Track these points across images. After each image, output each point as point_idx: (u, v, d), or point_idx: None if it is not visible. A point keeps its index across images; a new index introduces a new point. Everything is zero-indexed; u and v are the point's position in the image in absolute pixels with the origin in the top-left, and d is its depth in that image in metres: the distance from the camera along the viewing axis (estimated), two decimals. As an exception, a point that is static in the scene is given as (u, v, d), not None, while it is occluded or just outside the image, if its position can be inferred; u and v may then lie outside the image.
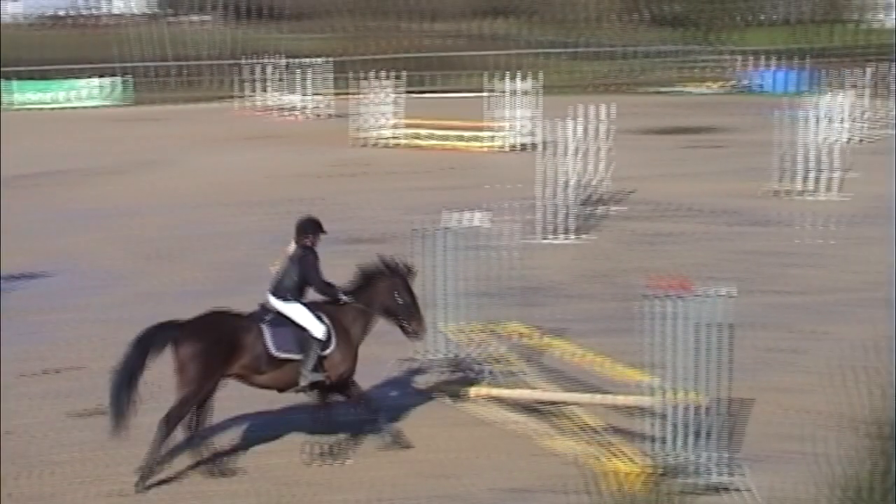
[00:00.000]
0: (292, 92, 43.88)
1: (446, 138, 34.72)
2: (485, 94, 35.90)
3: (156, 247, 21.35)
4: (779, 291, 17.77)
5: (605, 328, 15.20)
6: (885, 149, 33.34)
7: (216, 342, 10.81)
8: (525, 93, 34.29)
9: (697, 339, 10.36)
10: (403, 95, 37.70)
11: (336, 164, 31.77)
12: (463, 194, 24.84)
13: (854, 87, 35.16)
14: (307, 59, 43.69)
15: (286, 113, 43.61)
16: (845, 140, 30.10)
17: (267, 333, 10.97)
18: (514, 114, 34.23)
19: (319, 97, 43.22)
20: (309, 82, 43.42)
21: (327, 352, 11.12)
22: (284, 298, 11.21)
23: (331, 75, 44.38)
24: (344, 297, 11.35)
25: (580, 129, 24.23)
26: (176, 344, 10.75)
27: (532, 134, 32.89)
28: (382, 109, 36.04)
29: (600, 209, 24.44)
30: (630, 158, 29.74)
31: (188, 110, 47.92)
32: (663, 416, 10.52)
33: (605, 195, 25.23)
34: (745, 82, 52.37)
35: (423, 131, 35.13)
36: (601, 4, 58.05)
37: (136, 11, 63.29)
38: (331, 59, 45.72)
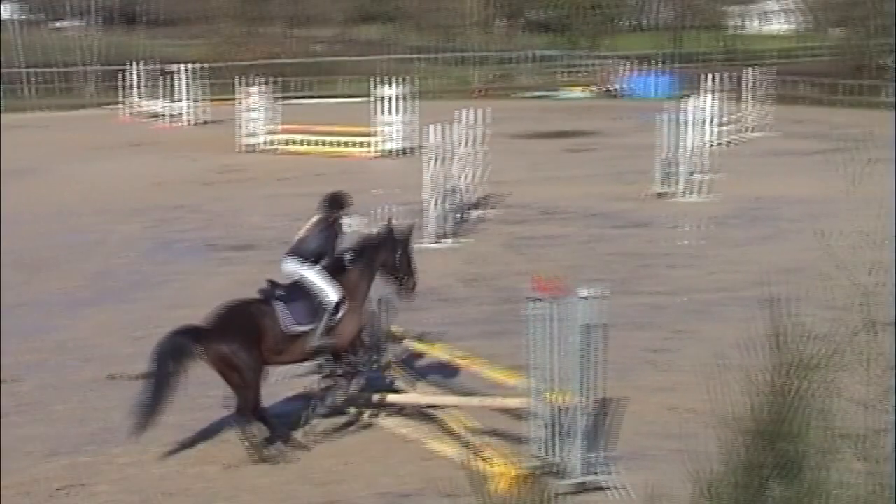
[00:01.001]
0: (171, 98, 43.46)
1: (326, 144, 34.76)
2: (364, 99, 36.01)
3: (35, 256, 21.04)
4: (653, 292, 18.17)
5: (484, 331, 15.46)
6: (748, 151, 34.31)
7: (247, 334, 11.13)
8: (403, 98, 34.49)
9: (574, 340, 10.61)
10: (283, 101, 37.65)
11: (217, 171, 31.61)
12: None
13: (720, 91, 36.06)
14: (187, 65, 43.30)
15: (166, 119, 43.19)
16: (713, 143, 30.92)
17: (280, 311, 11.34)
18: (392, 119, 34.41)
19: (198, 103, 42.90)
20: (188, 88, 43.05)
21: (338, 316, 11.52)
22: (301, 262, 11.63)
23: (210, 81, 44.07)
24: (348, 262, 11.77)
25: (458, 133, 24.52)
26: (206, 348, 11.06)
27: (410, 139, 33.13)
28: (262, 115, 35.93)
29: (479, 213, 24.74)
30: (508, 162, 30.14)
31: (67, 117, 47.06)
32: (541, 418, 10.75)
33: (484, 199, 25.54)
34: (618, 87, 53.24)
35: (303, 137, 35.12)
36: (477, 10, 58.49)
37: (8, 17, 61.96)
38: (210, 64, 45.41)
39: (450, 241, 22.15)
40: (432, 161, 22.63)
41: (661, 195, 26.85)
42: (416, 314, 16.03)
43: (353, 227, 13.40)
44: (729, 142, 35.14)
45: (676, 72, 51.50)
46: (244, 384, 11.16)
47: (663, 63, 53.39)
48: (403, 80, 35.78)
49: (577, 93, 53.08)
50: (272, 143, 35.44)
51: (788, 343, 8.00)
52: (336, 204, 12.07)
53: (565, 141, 38.14)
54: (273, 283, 11.65)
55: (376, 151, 34.11)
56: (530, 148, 36.27)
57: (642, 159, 28.44)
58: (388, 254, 11.97)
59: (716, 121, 33.74)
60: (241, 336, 11.13)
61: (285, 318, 11.34)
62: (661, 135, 27.33)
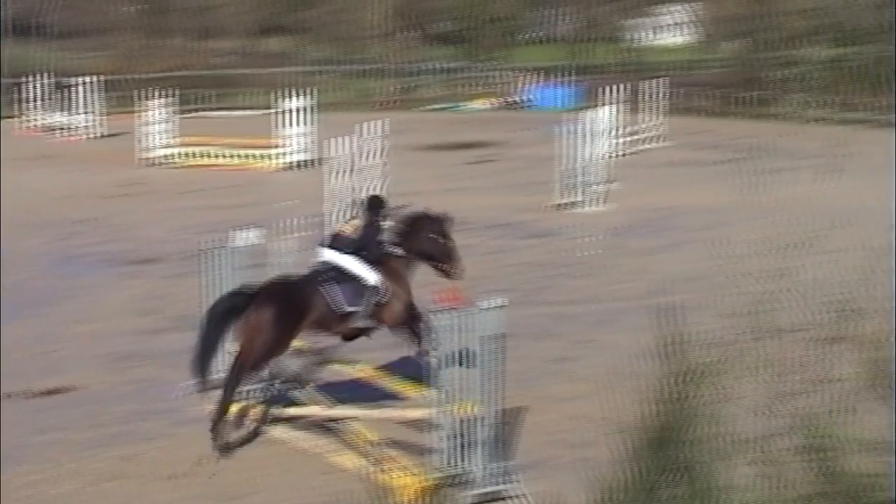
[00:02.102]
0: (70, 112, 42.86)
1: (228, 156, 34.56)
2: (266, 111, 35.87)
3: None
4: (556, 302, 18.38)
5: (386, 343, 15.51)
6: (646, 162, 34.82)
7: (290, 308, 11.76)
8: (305, 110, 34.45)
9: (476, 351, 10.73)
10: (184, 114, 37.37)
11: (117, 185, 31.27)
12: (245, 212, 24.85)
13: (618, 102, 36.54)
14: (85, 78, 42.76)
15: (65, 133, 42.59)
16: (612, 154, 31.33)
17: (330, 291, 12.01)
18: (294, 131, 34.34)
19: (97, 117, 42.36)
20: (87, 102, 42.51)
21: (380, 300, 12.24)
22: (340, 251, 12.35)
23: (110, 94, 43.55)
24: (396, 251, 12.58)
25: (359, 145, 24.57)
26: (251, 309, 11.59)
27: (312, 151, 33.10)
28: (162, 128, 35.62)
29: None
30: (411, 174, 30.23)
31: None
32: (444, 429, 10.85)
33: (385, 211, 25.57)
34: (519, 98, 53.64)
35: (204, 150, 34.87)
36: (379, 22, 58.57)
37: None
38: (109, 77, 44.87)
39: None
40: (334, 173, 22.67)
41: (562, 206, 27.15)
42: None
43: (251, 240, 13.42)
44: (627, 153, 35.61)
45: (576, 83, 52.04)
46: (264, 352, 11.74)
47: (563, 75, 53.91)
48: (305, 92, 35.72)
49: (479, 105, 53.36)
50: (173, 156, 35.16)
51: (682, 351, 8.21)
52: (376, 206, 12.91)
53: (467, 153, 38.32)
54: (316, 270, 12.36)
55: (278, 164, 34.02)
56: (433, 160, 36.40)
57: (543, 170, 28.72)
58: (427, 240, 12.70)
59: (614, 132, 34.18)
60: (284, 310, 11.73)
61: (334, 297, 12.03)
62: (562, 146, 27.64)
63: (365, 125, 25.45)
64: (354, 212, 12.95)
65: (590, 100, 41.88)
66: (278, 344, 11.87)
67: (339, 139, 23.20)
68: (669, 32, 67.34)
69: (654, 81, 41.55)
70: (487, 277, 19.61)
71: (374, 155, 25.48)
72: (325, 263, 12.42)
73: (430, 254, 12.72)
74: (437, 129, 44.09)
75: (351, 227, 12.82)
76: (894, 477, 6.97)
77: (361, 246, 12.44)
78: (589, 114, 29.71)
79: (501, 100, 53.95)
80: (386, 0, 57.91)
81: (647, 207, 26.96)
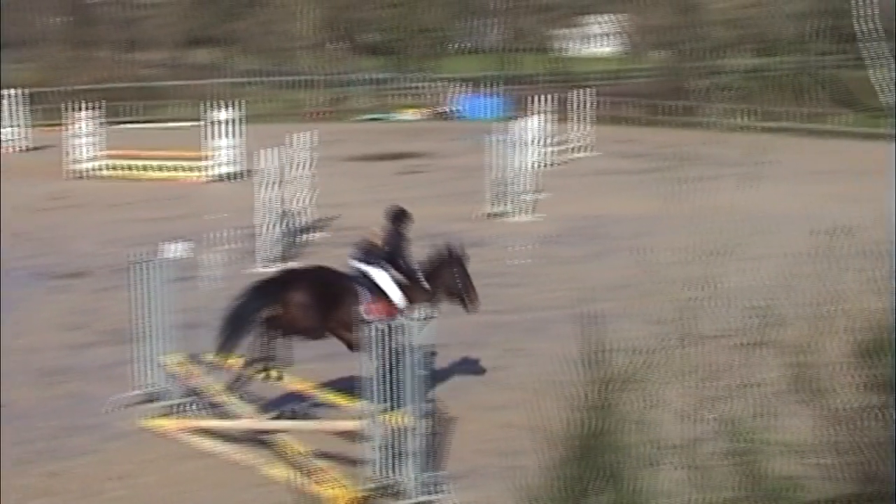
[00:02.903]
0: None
1: (157, 168, 34.32)
2: (195, 123, 35.70)
3: None
4: (487, 311, 18.36)
5: (318, 354, 15.51)
6: (575, 171, 35.09)
7: (323, 296, 12.38)
8: (234, 122, 34.32)
9: (407, 361, 10.78)
10: (112, 126, 37.07)
11: (46, 198, 30.93)
12: (174, 225, 24.74)
13: (547, 112, 36.79)
14: (11, 90, 42.23)
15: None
16: (541, 163, 31.58)
17: (361, 294, 12.68)
18: (223, 143, 34.20)
19: (24, 129, 41.86)
20: (14, 114, 41.98)
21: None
22: (371, 264, 13.00)
23: (37, 107, 43.08)
24: (424, 283, 13.15)
25: (289, 157, 24.55)
26: (288, 289, 12.25)
27: (242, 163, 33.00)
28: (90, 141, 35.30)
29: (309, 236, 24.78)
30: (341, 185, 30.25)
31: None
32: (376, 439, 10.89)
33: (314, 222, 25.59)
34: (449, 109, 53.81)
35: (133, 162, 34.60)
36: (308, 33, 58.48)
37: None
38: (36, 89, 44.39)
39: (283, 264, 22.14)
40: (264, 185, 22.64)
41: (492, 215, 27.29)
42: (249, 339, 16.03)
43: (180, 253, 13.39)
44: (556, 162, 35.86)
45: (505, 94, 52.31)
46: (301, 329, 12.37)
47: (492, 85, 54.18)
48: (234, 103, 35.60)
49: (409, 115, 53.47)
50: (101, 168, 34.86)
51: (609, 359, 8.32)
52: (400, 217, 13.62)
53: (398, 163, 38.38)
54: (359, 269, 13.02)
55: (208, 176, 33.86)
56: (363, 170, 36.42)
57: (473, 180, 28.88)
58: (449, 276, 13.36)
59: (543, 141, 34.43)
60: (319, 298, 12.34)
61: (363, 302, 12.63)
62: (491, 156, 27.80)
63: (294, 136, 25.43)
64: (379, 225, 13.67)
65: (519, 110, 42.13)
66: (314, 326, 12.44)
67: (269, 150, 23.15)
68: (597, 42, 67.94)
69: (581, 91, 41.87)
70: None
71: (304, 166, 25.48)
72: (359, 272, 13.08)
73: (452, 290, 13.41)
74: (367, 140, 44.11)
75: (378, 239, 13.42)
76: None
77: (390, 258, 13.15)
78: (518, 124, 29.89)
79: (431, 110, 54.09)
80: (315, 11, 57.84)
81: (575, 216, 27.17)
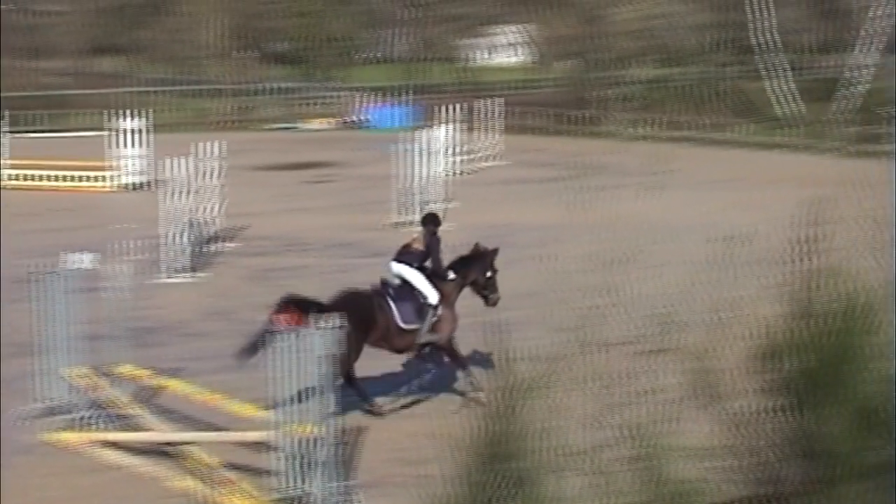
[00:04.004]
0: None
1: (61, 178, 33.88)
2: (99, 132, 35.30)
3: None
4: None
5: (224, 365, 15.46)
6: (482, 180, 35.31)
7: (358, 320, 13.01)
8: (140, 131, 34.00)
9: (314, 371, 10.80)
10: (14, 135, 36.47)
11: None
12: (78, 235, 24.45)
13: (454, 121, 36.97)
14: None
15: None
16: (449, 172, 31.71)
17: (393, 308, 13.57)
18: (129, 152, 33.85)
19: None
20: None
21: (437, 314, 13.77)
22: (409, 265, 14.00)
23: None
24: (452, 275, 14.14)
25: (195, 166, 24.40)
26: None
27: (147, 172, 32.70)
28: (-10, 151, 34.75)
29: (219, 246, 24.66)
30: (249, 195, 30.13)
31: None
32: (283, 450, 10.89)
33: (222, 232, 25.47)
34: (357, 118, 53.81)
35: (36, 172, 34.12)
36: (215, 41, 58.10)
37: None
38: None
39: (189, 275, 22.02)
40: (171, 194, 22.48)
41: (400, 224, 27.35)
42: (156, 350, 15.98)
43: (84, 264, 13.28)
44: (464, 171, 36.04)
45: (412, 103, 52.44)
46: (341, 360, 12.42)
47: (400, 95, 54.28)
48: (140, 112, 35.26)
49: (317, 125, 53.36)
50: (4, 178, 34.31)
51: (514, 366, 8.42)
52: (433, 221, 14.72)
53: (306, 172, 38.29)
54: (386, 283, 14.00)
55: (113, 185, 33.51)
56: (271, 180, 36.29)
57: (381, 189, 28.92)
58: (479, 273, 14.42)
59: (451, 151, 34.58)
60: (354, 321, 12.89)
61: (398, 314, 13.56)
62: (399, 165, 27.87)
63: (202, 146, 25.29)
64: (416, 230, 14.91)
65: (426, 119, 42.25)
66: (349, 354, 12.88)
67: (176, 160, 23.00)
68: (504, 52, 68.37)
69: (489, 101, 42.13)
70: (326, 297, 19.66)
71: (212, 176, 25.34)
72: (394, 277, 14.05)
73: (478, 284, 14.46)
74: (275, 150, 43.97)
75: (416, 241, 14.43)
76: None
77: (425, 259, 14.16)
78: (426, 133, 30.01)
79: (339, 120, 54.05)
80: (222, 19, 57.49)
81: (483, 225, 27.29)
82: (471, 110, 40.83)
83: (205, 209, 24.85)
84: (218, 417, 12.64)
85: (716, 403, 7.92)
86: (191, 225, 23.18)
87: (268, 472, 10.95)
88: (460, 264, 14.50)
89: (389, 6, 63.61)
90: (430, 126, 33.35)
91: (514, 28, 65.61)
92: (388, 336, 13.59)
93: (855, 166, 35.55)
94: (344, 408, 12.39)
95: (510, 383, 7.88)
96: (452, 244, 25.02)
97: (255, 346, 12.62)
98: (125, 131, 33.96)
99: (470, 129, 39.81)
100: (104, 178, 33.68)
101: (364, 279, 21.52)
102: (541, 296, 17.07)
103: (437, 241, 14.51)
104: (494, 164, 39.16)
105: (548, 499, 7.51)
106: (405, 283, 14.00)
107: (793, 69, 55.59)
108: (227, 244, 24.98)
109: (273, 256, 24.13)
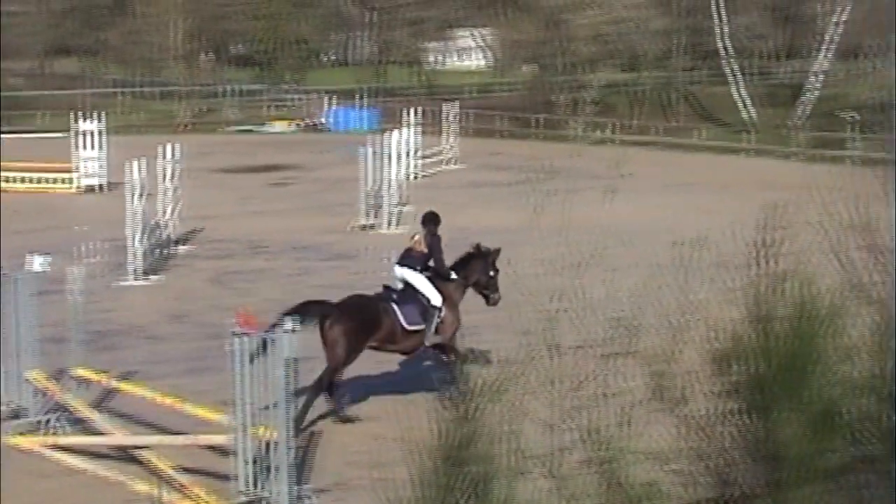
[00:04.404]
0: None
1: (25, 180, 33.65)
2: (63, 134, 35.10)
3: None
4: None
5: (187, 368, 15.42)
6: (447, 183, 35.34)
7: (363, 322, 13.50)
8: (104, 133, 33.82)
9: (279, 374, 10.77)
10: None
11: None
12: (39, 237, 24.26)
13: (420, 125, 37.01)
14: None
15: None
16: (414, 175, 31.76)
17: (398, 312, 13.81)
18: (93, 154, 33.66)
19: None
20: None
21: (441, 316, 14.06)
22: (413, 269, 14.23)
23: None
24: (454, 275, 14.41)
25: (160, 168, 24.32)
26: (330, 321, 13.30)
27: (112, 174, 32.53)
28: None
29: (183, 249, 24.57)
30: (214, 197, 30.06)
31: None
32: (247, 453, 10.85)
33: (181, 235, 25.37)
34: (322, 121, 53.75)
35: (-1, 173, 33.88)
36: (181, 43, 57.90)
37: None
38: None
39: (153, 277, 21.92)
40: (134, 196, 22.38)
41: (365, 227, 27.35)
42: (120, 353, 15.91)
43: (43, 266, 13.19)
44: (426, 174, 36.08)
45: (378, 106, 52.44)
46: (337, 362, 13.34)
47: (363, 97, 54.27)
48: (102, 114, 35.08)
49: (280, 127, 53.27)
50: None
51: (476, 369, 8.43)
52: (433, 221, 14.90)
53: (271, 175, 38.24)
54: (388, 288, 14.25)
55: (77, 187, 33.33)
56: (236, 182, 36.22)
57: (344, 192, 28.92)
58: (482, 273, 14.64)
59: (416, 154, 34.62)
60: (359, 324, 13.45)
61: (402, 317, 13.83)
62: (364, 168, 27.85)
63: (165, 148, 25.19)
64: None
65: (389, 122, 42.27)
66: (350, 355, 13.45)
67: (138, 162, 22.88)
68: (467, 56, 68.50)
69: (450, 104, 42.20)
70: (286, 300, 19.56)
71: (175, 178, 25.23)
72: (398, 280, 14.26)
73: (480, 284, 14.67)
74: (238, 152, 43.87)
75: (417, 243, 14.61)
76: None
77: (427, 260, 14.42)
78: (388, 136, 30.01)
79: (301, 122, 53.98)
80: (184, 22, 57.31)
81: (444, 228, 27.25)
82: (433, 113, 40.89)
83: (168, 212, 24.74)
84: (178, 421, 12.57)
85: (675, 407, 7.95)
86: (154, 227, 23.09)
87: (228, 476, 10.91)
88: (462, 265, 14.74)
89: (354, 9, 63.60)
90: (393, 129, 33.35)
91: (475, 32, 65.76)
92: (395, 338, 13.90)
93: (814, 170, 35.91)
94: (307, 411, 12.38)
95: (472, 386, 7.87)
96: (404, 246, 25.09)
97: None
98: (86, 133, 33.76)
99: (433, 132, 39.86)
100: (65, 180, 33.48)
101: (325, 282, 21.67)
102: (502, 299, 17.09)
103: (438, 240, 14.73)
104: (456, 167, 39.21)
105: (509, 502, 7.52)
106: (409, 286, 14.21)
107: (753, 74, 56.02)
108: (190, 247, 24.89)
109: (234, 259, 24.07)
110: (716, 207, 28.81)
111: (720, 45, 53.94)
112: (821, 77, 53.67)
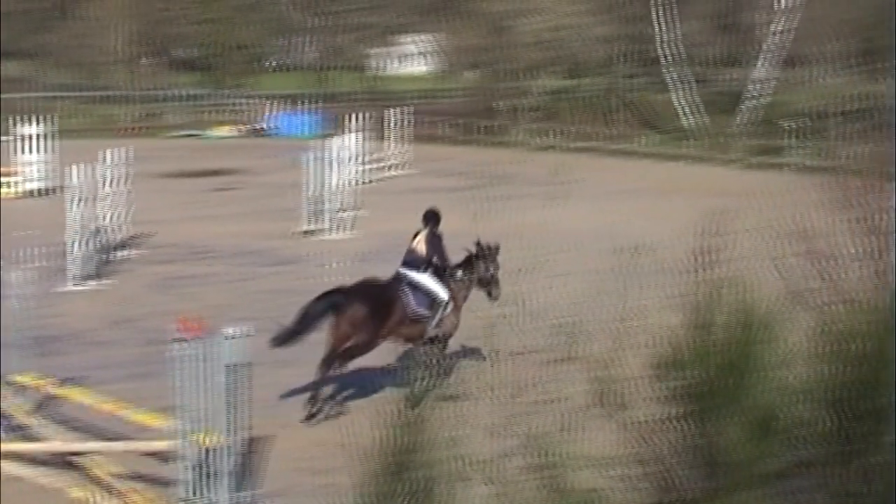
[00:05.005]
0: None
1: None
2: (3, 138, 34.75)
3: None
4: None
5: (129, 374, 15.34)
6: (391, 189, 35.38)
7: (378, 307, 13.92)
8: (43, 137, 33.53)
9: (221, 380, 10.75)
10: None
11: None
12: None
13: (364, 130, 37.00)
14: None
15: None
16: (357, 181, 31.72)
17: (410, 296, 14.29)
18: (33, 158, 33.36)
19: None
20: None
21: (446, 312, 14.49)
22: (418, 269, 14.63)
23: None
24: (459, 274, 14.80)
25: (101, 173, 24.16)
26: (344, 307, 13.78)
27: (53, 179, 32.25)
28: None
29: (125, 254, 24.42)
30: (156, 202, 29.86)
31: None
32: (188, 459, 10.82)
33: (130, 239, 25.22)
34: (265, 125, 53.58)
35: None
36: (122, 47, 57.50)
37: None
38: None
39: (95, 282, 21.78)
40: (75, 201, 22.22)
41: (308, 233, 27.32)
42: (60, 358, 15.78)
43: None
44: (372, 180, 36.08)
45: (322, 111, 52.35)
46: (358, 346, 13.88)
47: (308, 102, 54.15)
48: (45, 118, 34.76)
49: (224, 132, 53.03)
50: None
51: (422, 374, 8.47)
52: (435, 218, 15.13)
53: (213, 180, 38.06)
54: (399, 275, 14.61)
55: (17, 192, 33.00)
56: (178, 187, 36.01)
57: (289, 197, 28.84)
58: (485, 270, 14.96)
59: (359, 159, 34.60)
60: (375, 307, 13.87)
61: (411, 303, 14.29)
62: (307, 173, 27.82)
63: (107, 152, 25.04)
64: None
65: (335, 127, 42.23)
66: (370, 339, 13.97)
67: (81, 166, 22.73)
68: (412, 62, 68.56)
69: (397, 109, 42.22)
70: (233, 305, 19.60)
71: (117, 182, 25.09)
72: (404, 277, 14.64)
73: (483, 280, 15.02)
74: (182, 157, 43.62)
75: (419, 243, 14.92)
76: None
77: (430, 258, 14.73)
78: (334, 141, 30.00)
79: (247, 127, 53.78)
80: (129, 25, 56.92)
81: (391, 234, 27.26)
82: (379, 119, 40.89)
83: (110, 216, 24.59)
84: (122, 427, 12.51)
85: (619, 412, 8.02)
86: (96, 232, 22.94)
87: (172, 483, 10.88)
88: (467, 264, 15.09)
89: (298, 14, 63.49)
90: (339, 134, 33.35)
91: (422, 37, 65.85)
92: (400, 323, 14.24)
93: (757, 178, 36.32)
94: (251, 415, 12.30)
95: (418, 391, 7.92)
96: (349, 251, 25.27)
97: (291, 332, 13.78)
98: (29, 137, 33.47)
99: (377, 138, 39.86)
100: (7, 185, 33.15)
101: (269, 287, 21.65)
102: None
103: (440, 238, 15.05)
104: (402, 173, 39.24)
105: (453, 507, 7.56)
106: (415, 283, 14.66)
107: (696, 81, 56.49)
108: (133, 252, 24.75)
109: (179, 264, 23.96)
110: (657, 214, 29.06)
111: (662, 52, 54.37)
112: (760, 85, 54.25)
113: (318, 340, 17.63)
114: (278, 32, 64.81)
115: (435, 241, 14.97)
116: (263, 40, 63.45)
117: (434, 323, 14.47)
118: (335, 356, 13.97)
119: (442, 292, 14.63)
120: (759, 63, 54.39)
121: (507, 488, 7.98)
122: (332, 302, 13.94)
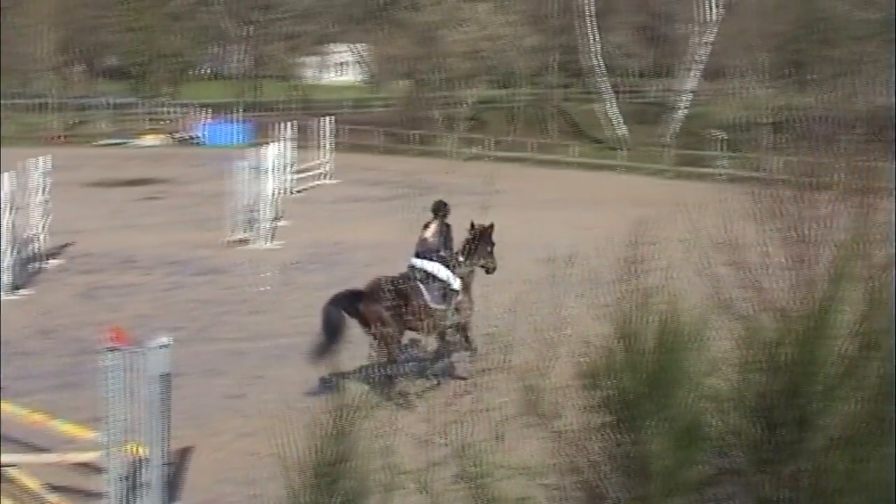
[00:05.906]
0: None
1: None
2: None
3: None
4: (233, 338, 18.30)
5: (58, 384, 15.13)
6: (321, 198, 35.30)
7: (398, 301, 14.19)
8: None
9: (148, 390, 10.63)
10: None
11: None
12: None
13: (294, 139, 36.89)
14: None
15: None
16: (288, 190, 31.63)
17: (423, 289, 14.74)
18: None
19: None
20: None
21: (458, 298, 14.88)
22: (429, 259, 15.02)
23: None
24: (465, 262, 15.18)
25: (30, 181, 23.85)
26: (366, 308, 14.24)
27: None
28: None
29: (52, 263, 24.11)
30: (84, 211, 29.55)
31: None
32: (116, 471, 10.69)
33: (57, 249, 24.91)
34: (194, 134, 53.26)
35: None
36: (52, 55, 56.88)
37: None
38: None
39: (22, 292, 21.48)
40: (1, 210, 21.91)
41: (237, 242, 27.16)
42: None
43: None
44: (297, 189, 35.96)
45: (252, 120, 52.15)
46: (391, 339, 14.12)
47: (234, 112, 53.92)
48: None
49: (149, 141, 52.63)
50: None
51: (347, 385, 8.43)
52: (443, 209, 15.52)
53: (142, 189, 37.75)
54: (413, 267, 14.98)
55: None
56: (106, 196, 35.66)
57: (214, 207, 28.66)
58: (483, 251, 15.48)
59: (290, 168, 34.50)
60: (392, 302, 14.15)
61: (426, 295, 14.72)
62: (237, 182, 27.67)
63: (29, 161, 24.72)
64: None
65: (260, 136, 42.07)
66: (396, 332, 14.27)
67: (7, 175, 22.40)
68: (339, 71, 68.50)
69: (322, 119, 42.16)
70: (157, 315, 19.40)
71: (39, 191, 24.77)
72: (416, 268, 15.01)
73: (484, 263, 15.57)
74: (106, 166, 43.23)
75: (429, 233, 15.31)
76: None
77: (440, 248, 15.14)
78: (259, 150, 29.87)
79: (172, 136, 53.43)
80: (53, 33, 56.32)
81: (316, 243, 27.29)
82: (305, 128, 40.81)
83: (34, 225, 24.27)
84: (43, 438, 12.32)
85: (547, 421, 8.04)
86: (17, 241, 22.60)
87: (96, 495, 10.73)
88: (469, 249, 15.48)
89: (227, 23, 63.18)
90: (264, 143, 33.20)
91: (347, 47, 65.82)
92: (417, 315, 14.34)
93: (684, 187, 36.67)
94: (178, 426, 12.18)
95: (345, 402, 7.87)
96: (274, 260, 25.14)
97: (325, 346, 14.15)
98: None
99: (304, 147, 39.76)
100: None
101: (197, 297, 21.47)
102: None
103: (449, 228, 15.50)
104: (328, 183, 39.17)
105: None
106: (428, 274, 15.03)
107: (625, 92, 57.04)
108: (55, 261, 24.44)
109: (102, 274, 23.70)
110: (587, 223, 29.25)
111: (592, 63, 54.80)
112: (689, 96, 54.87)
113: (245, 351, 17.58)
114: (210, 41, 64.51)
115: (445, 231, 15.47)
116: (193, 49, 63.13)
117: (451, 310, 14.82)
118: (391, 346, 14.35)
119: (454, 281, 15.08)
120: (688, 74, 54.99)
121: (438, 498, 7.97)
122: (349, 305, 14.45)
